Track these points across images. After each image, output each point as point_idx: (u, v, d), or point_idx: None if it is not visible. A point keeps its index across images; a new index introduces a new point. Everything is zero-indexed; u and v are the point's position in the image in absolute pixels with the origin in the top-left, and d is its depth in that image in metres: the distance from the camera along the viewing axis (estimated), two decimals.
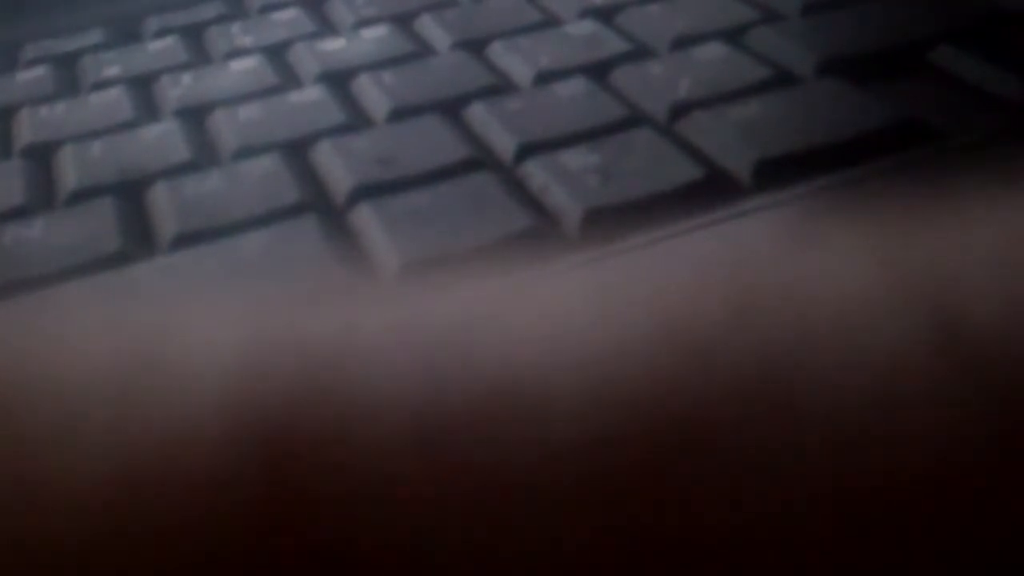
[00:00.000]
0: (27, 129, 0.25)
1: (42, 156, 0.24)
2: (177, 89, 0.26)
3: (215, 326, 0.08)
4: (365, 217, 0.19)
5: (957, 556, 0.07)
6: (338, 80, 0.25)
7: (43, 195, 0.22)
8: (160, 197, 0.21)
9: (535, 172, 0.20)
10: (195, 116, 0.25)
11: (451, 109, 0.23)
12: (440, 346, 0.08)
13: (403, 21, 0.28)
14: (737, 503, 0.07)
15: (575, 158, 0.20)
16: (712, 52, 0.24)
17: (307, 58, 0.26)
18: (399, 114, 0.23)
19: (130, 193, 0.22)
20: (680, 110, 0.21)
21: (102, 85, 0.27)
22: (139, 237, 0.20)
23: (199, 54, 0.28)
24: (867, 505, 0.07)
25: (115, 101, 0.26)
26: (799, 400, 0.07)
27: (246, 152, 0.22)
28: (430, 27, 0.27)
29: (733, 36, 0.24)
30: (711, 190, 0.19)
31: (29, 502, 0.07)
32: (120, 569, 0.07)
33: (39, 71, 0.28)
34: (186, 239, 0.20)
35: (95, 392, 0.08)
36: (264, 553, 0.07)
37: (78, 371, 0.08)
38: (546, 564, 0.07)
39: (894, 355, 0.07)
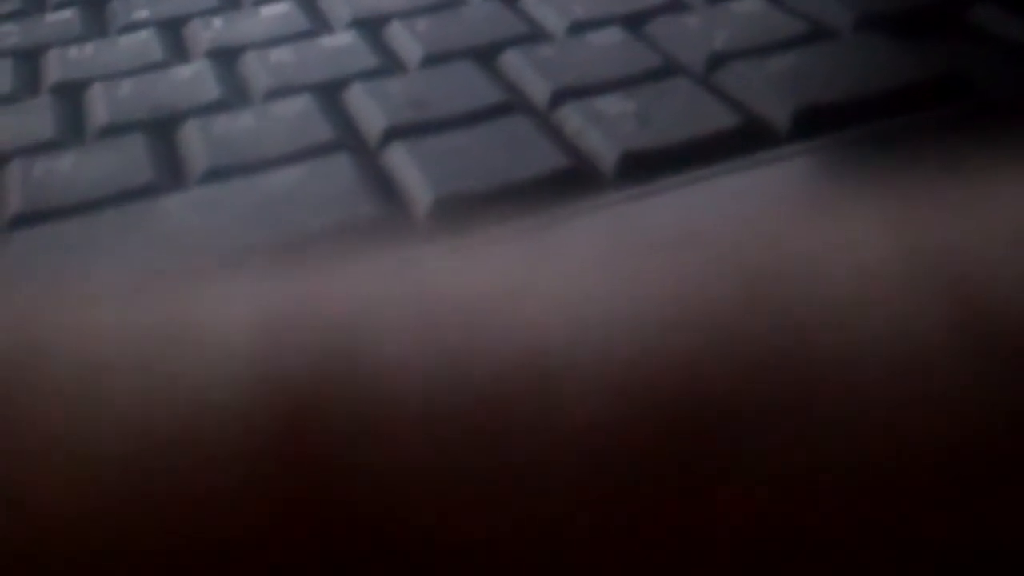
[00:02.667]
0: (56, 68, 0.25)
1: (72, 94, 0.24)
2: (208, 32, 0.26)
3: (237, 281, 0.08)
4: (398, 156, 0.19)
5: (977, 531, 0.07)
6: (370, 26, 0.25)
7: (73, 131, 0.22)
8: (191, 134, 0.21)
9: (570, 116, 0.20)
10: (226, 58, 0.24)
11: (484, 56, 0.23)
12: (466, 311, 0.08)
13: None
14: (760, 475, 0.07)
15: (611, 104, 0.20)
16: (749, 6, 0.23)
17: (339, 5, 0.26)
18: (432, 60, 0.23)
19: (161, 130, 0.22)
20: (717, 61, 0.21)
21: (131, 28, 0.27)
22: (170, 171, 0.20)
23: (229, 0, 0.28)
24: (887, 483, 0.07)
25: (145, 43, 0.26)
26: (818, 369, 0.07)
27: (278, 92, 0.22)
28: None
29: None
30: (748, 137, 0.19)
31: (42, 466, 0.07)
32: (135, 540, 0.07)
33: (67, 14, 0.28)
34: (217, 173, 0.20)
35: (110, 347, 0.08)
36: (281, 530, 0.07)
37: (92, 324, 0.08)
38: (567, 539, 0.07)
39: (917, 322, 0.07)
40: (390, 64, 0.23)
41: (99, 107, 0.22)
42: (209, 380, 0.07)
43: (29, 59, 0.26)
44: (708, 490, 0.07)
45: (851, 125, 0.19)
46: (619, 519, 0.07)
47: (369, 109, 0.21)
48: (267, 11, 0.26)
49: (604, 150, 0.19)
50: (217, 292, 0.08)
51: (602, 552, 0.07)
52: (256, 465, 0.07)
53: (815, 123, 0.19)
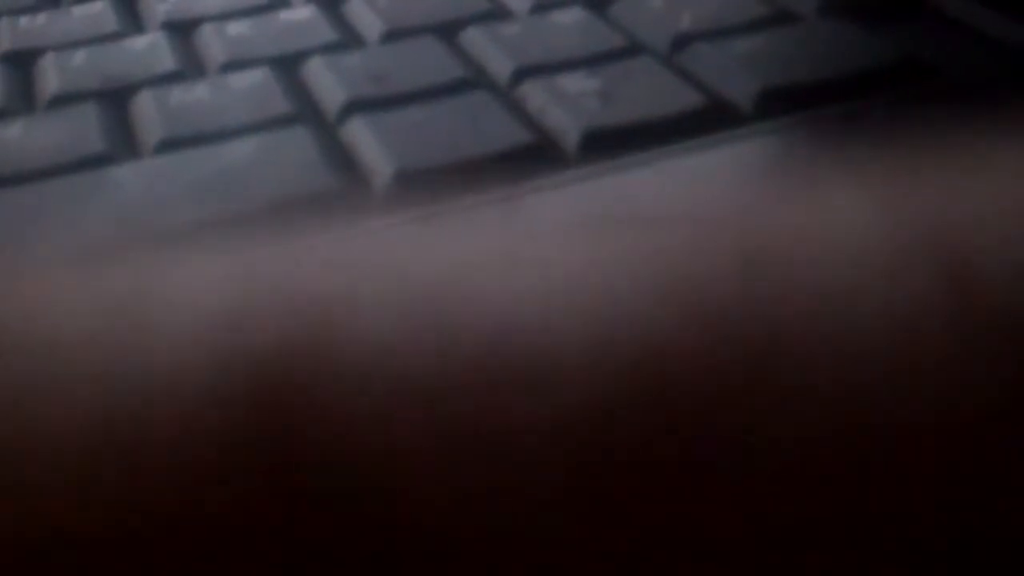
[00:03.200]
0: (7, 37, 0.24)
1: (23, 63, 0.23)
2: (163, 4, 0.25)
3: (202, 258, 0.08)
4: (358, 129, 0.19)
5: (968, 504, 0.07)
6: (330, 1, 0.25)
7: (23, 99, 0.22)
8: (145, 104, 0.21)
9: (532, 93, 0.20)
10: (182, 30, 0.24)
11: (445, 33, 0.23)
12: (424, 283, 0.07)
13: None
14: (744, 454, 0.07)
15: (574, 82, 0.20)
16: None
17: None
18: (392, 35, 0.23)
19: (114, 100, 0.21)
20: (681, 41, 0.21)
21: None
22: (123, 141, 0.20)
23: None
24: (877, 456, 0.07)
25: (99, 14, 0.25)
26: (792, 340, 0.07)
27: (235, 65, 0.22)
28: None
29: None
30: (712, 117, 0.19)
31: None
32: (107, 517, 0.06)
33: None
34: (172, 144, 0.19)
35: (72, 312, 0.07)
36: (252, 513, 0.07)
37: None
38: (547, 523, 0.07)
39: (891, 294, 0.07)
40: (350, 39, 0.23)
41: (50, 76, 0.22)
42: (168, 356, 0.07)
43: None
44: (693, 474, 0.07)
45: (814, 106, 0.19)
46: (599, 499, 0.07)
47: (328, 83, 0.21)
48: None
49: (566, 127, 0.19)
50: (173, 265, 0.08)
51: (578, 523, 0.07)
52: (222, 441, 0.07)
53: (779, 104, 0.19)
